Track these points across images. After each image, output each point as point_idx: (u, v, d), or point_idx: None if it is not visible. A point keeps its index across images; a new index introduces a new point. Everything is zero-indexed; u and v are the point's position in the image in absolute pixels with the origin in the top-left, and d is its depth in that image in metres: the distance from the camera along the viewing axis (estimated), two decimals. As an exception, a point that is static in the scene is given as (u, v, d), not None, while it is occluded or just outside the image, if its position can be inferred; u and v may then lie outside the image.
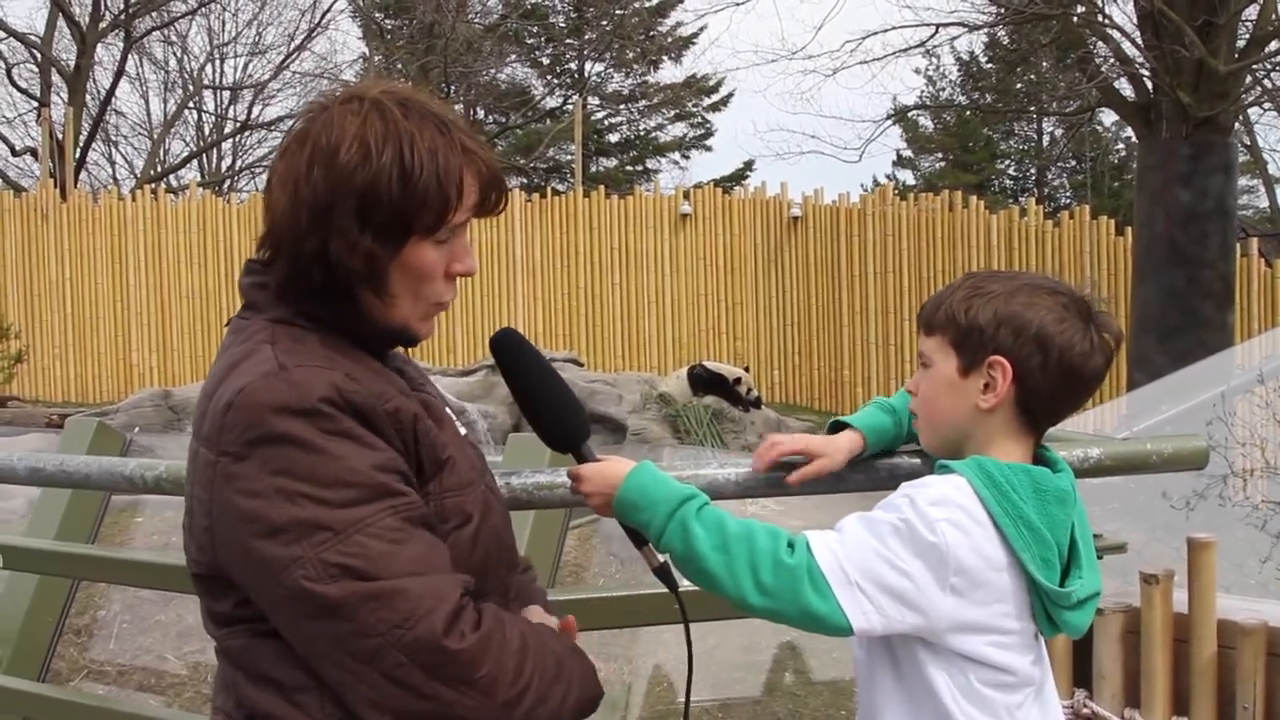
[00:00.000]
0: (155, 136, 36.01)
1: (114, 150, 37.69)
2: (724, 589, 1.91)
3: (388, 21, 35.14)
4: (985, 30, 19.25)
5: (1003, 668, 1.95)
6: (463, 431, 1.99)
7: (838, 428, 2.33)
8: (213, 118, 38.04)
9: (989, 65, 39.26)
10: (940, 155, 44.36)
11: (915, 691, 1.97)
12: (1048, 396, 2.01)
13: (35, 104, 31.02)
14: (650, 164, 41.12)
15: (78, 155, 27.62)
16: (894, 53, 16.42)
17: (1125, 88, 14.54)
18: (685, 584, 2.03)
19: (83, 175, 30.27)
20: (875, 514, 1.95)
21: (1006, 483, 1.93)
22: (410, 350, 2.02)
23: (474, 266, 1.90)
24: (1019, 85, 32.23)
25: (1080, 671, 3.34)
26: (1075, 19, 14.63)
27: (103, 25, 30.84)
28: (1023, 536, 1.90)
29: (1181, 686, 3.18)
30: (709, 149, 41.70)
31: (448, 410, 1.99)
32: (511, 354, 2.00)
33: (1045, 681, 2.06)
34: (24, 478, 3.23)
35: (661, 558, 2.01)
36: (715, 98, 39.87)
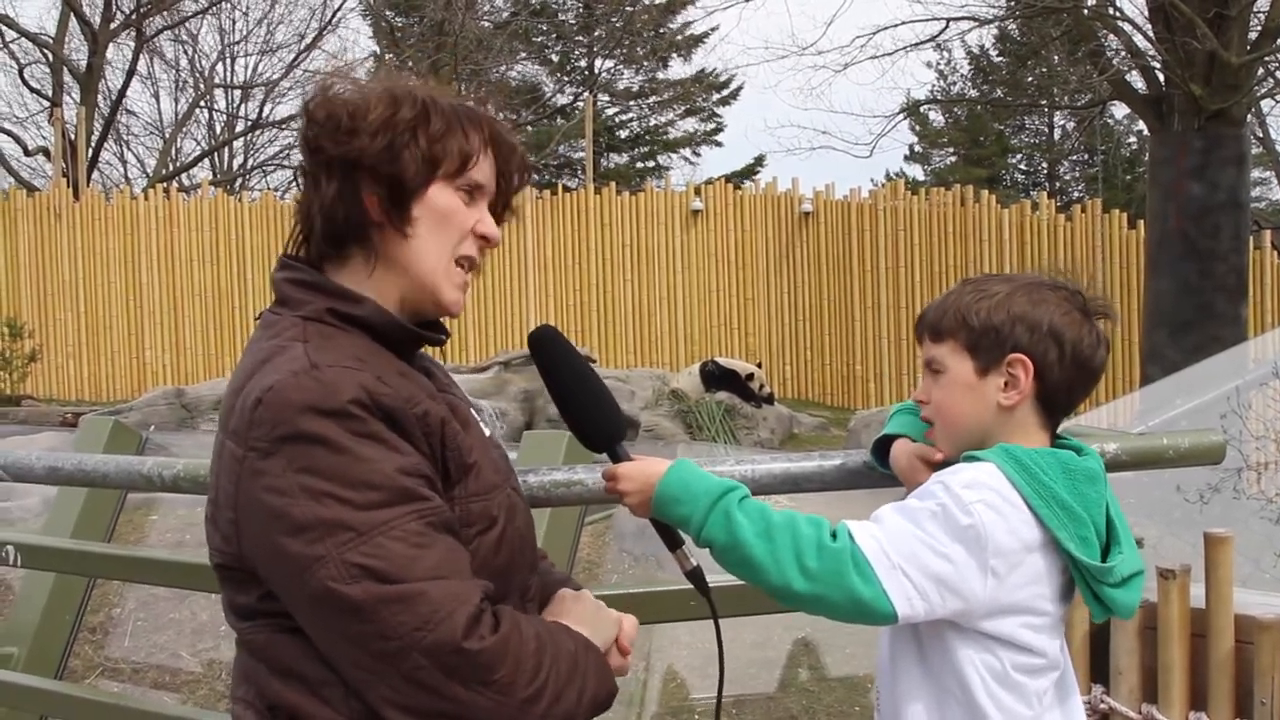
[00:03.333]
0: (167, 135, 36.09)
1: (126, 149, 37.83)
2: (767, 577, 1.91)
3: (398, 19, 35.17)
4: (996, 24, 19.21)
5: (1035, 650, 1.97)
6: (488, 432, 2.00)
7: (886, 442, 2.30)
8: (224, 116, 38.11)
9: (1000, 59, 39.21)
10: (951, 150, 44.31)
11: (943, 678, 1.98)
12: (1065, 389, 2.04)
13: (48, 104, 31.15)
14: (661, 160, 41.13)
15: (90, 155, 27.64)
16: (904, 47, 16.41)
17: (1137, 81, 14.50)
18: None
19: (95, 175, 30.34)
20: (910, 502, 1.97)
21: (1035, 465, 1.94)
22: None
23: (498, 234, 1.95)
24: (1030, 79, 32.15)
25: (1098, 667, 3.34)
26: (1086, 12, 14.60)
27: (114, 25, 30.91)
28: (1057, 515, 1.92)
29: (1199, 682, 3.17)
30: (719, 143, 41.70)
31: (473, 411, 2.00)
32: (548, 351, 2.00)
33: (1067, 668, 2.07)
34: (42, 476, 3.24)
35: (694, 561, 2.01)
36: (725, 92, 39.88)
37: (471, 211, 1.91)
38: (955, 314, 2.05)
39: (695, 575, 2.03)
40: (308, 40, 35.03)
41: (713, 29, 37.54)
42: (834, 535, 1.91)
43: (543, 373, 2.01)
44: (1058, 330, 2.00)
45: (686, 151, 41.44)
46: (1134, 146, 38.44)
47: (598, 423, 2.01)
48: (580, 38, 39.51)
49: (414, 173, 1.84)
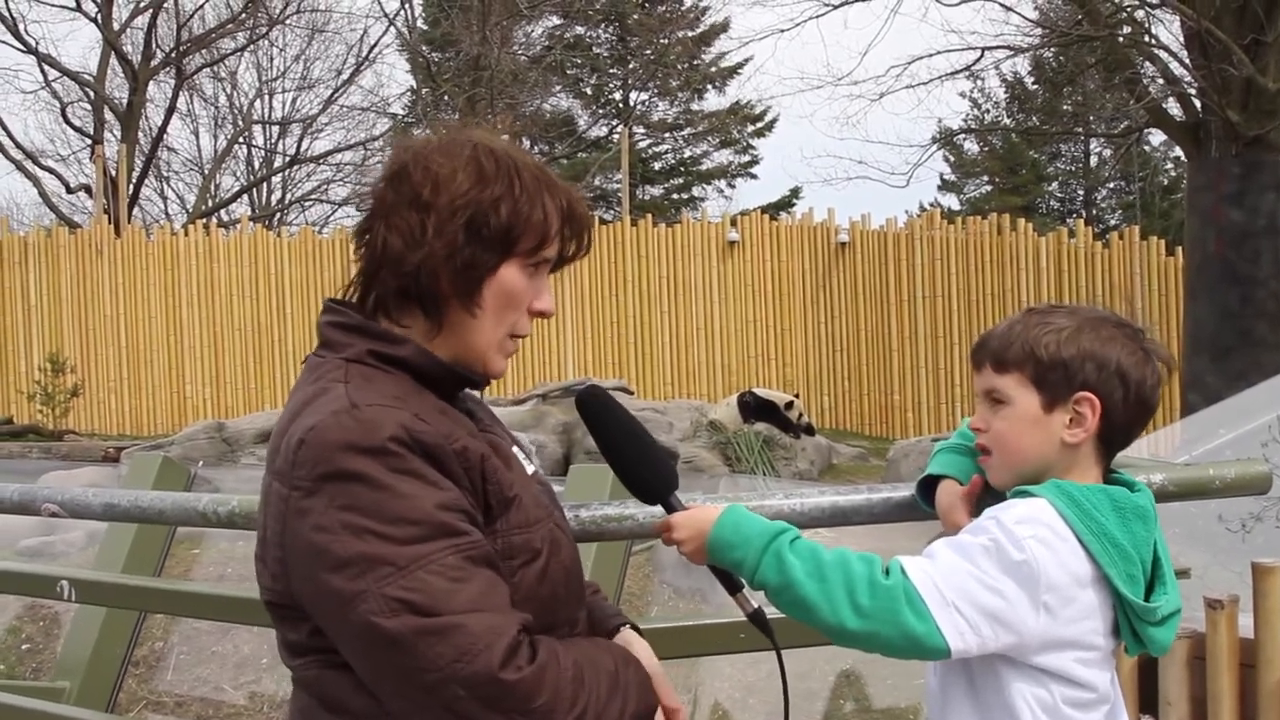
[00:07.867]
0: (206, 172, 36.50)
1: (166, 186, 38.25)
2: (820, 616, 1.92)
3: (434, 55, 35.43)
4: (1031, 52, 19.21)
5: (1086, 684, 1.96)
6: (530, 470, 2.03)
7: (932, 482, 2.29)
8: (262, 152, 38.53)
9: (1035, 87, 39.10)
10: (986, 178, 44.16)
11: (993, 711, 1.98)
12: (1125, 428, 2.03)
13: (89, 142, 31.54)
14: (696, 191, 41.20)
15: (131, 191, 27.96)
16: (940, 77, 16.49)
17: (1173, 107, 14.49)
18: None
19: (136, 211, 30.64)
20: (963, 537, 1.96)
21: (1087, 501, 1.94)
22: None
23: (553, 307, 1.98)
24: (1065, 106, 32.04)
25: (1146, 698, 3.33)
26: (1121, 40, 14.60)
27: (154, 63, 31.33)
28: (1107, 552, 1.92)
29: (1248, 712, 3.16)
30: (754, 176, 41.72)
31: (516, 449, 2.03)
32: (598, 413, 2.04)
33: (1117, 700, 2.07)
34: (99, 513, 3.27)
35: (754, 604, 2.02)
36: (760, 124, 39.92)
37: (533, 285, 1.93)
38: (1023, 345, 2.03)
39: (757, 617, 2.04)
40: (345, 76, 35.40)
41: (747, 59, 37.57)
42: (887, 572, 1.92)
43: (593, 432, 2.04)
44: (1125, 370, 1.99)
45: (721, 183, 41.51)
46: (1171, 173, 38.21)
47: (650, 478, 2.04)
48: (615, 70, 39.67)
49: (487, 255, 1.87)
